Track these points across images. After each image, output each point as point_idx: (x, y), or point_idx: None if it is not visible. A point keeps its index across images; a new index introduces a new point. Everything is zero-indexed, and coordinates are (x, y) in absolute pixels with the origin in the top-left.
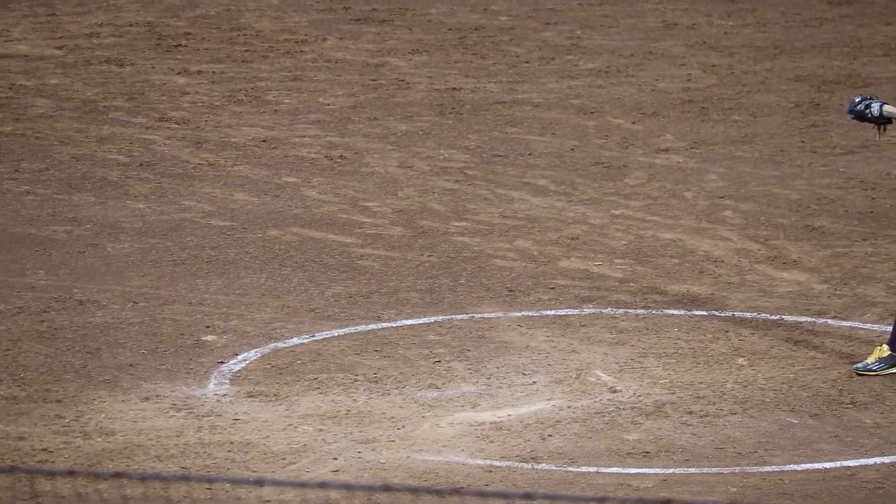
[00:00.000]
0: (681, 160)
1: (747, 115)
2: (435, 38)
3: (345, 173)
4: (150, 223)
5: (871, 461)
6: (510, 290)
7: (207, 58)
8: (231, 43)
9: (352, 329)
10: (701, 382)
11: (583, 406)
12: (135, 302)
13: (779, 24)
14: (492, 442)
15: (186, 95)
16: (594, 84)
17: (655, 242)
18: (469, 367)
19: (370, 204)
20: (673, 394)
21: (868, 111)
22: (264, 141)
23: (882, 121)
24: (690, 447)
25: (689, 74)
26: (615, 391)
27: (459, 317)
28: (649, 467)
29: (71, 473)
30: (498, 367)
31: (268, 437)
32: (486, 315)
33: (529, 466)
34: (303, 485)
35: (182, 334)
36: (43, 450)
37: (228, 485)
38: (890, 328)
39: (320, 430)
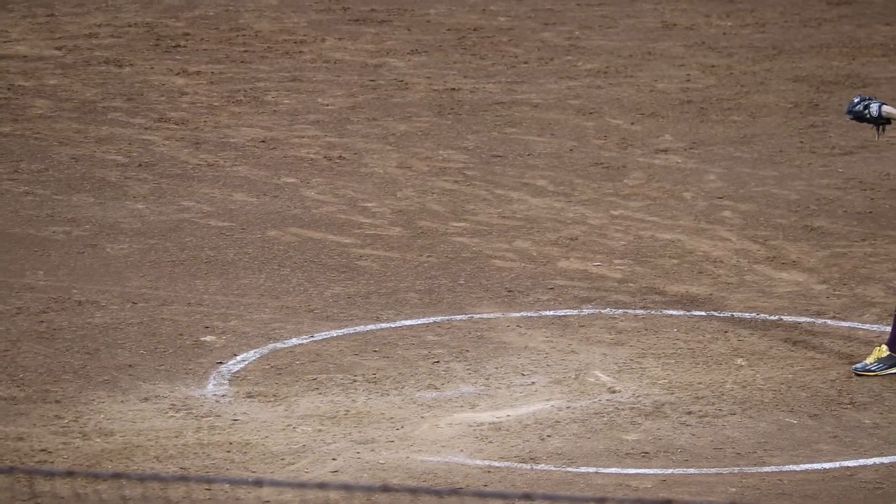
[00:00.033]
0: (680, 161)
1: (746, 116)
2: (434, 38)
3: (344, 174)
4: (148, 224)
5: (870, 461)
6: (509, 291)
7: (206, 58)
8: (230, 43)
9: (351, 329)
10: (700, 383)
11: (582, 406)
12: (134, 302)
13: (778, 24)
14: (491, 442)
15: (185, 96)
16: (593, 84)
17: (654, 243)
18: (468, 367)
19: (369, 204)
20: (672, 394)
21: (867, 111)
22: (263, 141)
23: (881, 121)
24: (689, 447)
25: (688, 75)
26: (614, 391)
27: (458, 317)
28: (648, 468)
29: (70, 474)
30: (497, 368)
31: (267, 437)
32: (484, 315)
33: (528, 467)
34: (302, 485)
35: (181, 335)
36: (42, 450)
37: (227, 485)
38: (889, 328)
39: (319, 430)
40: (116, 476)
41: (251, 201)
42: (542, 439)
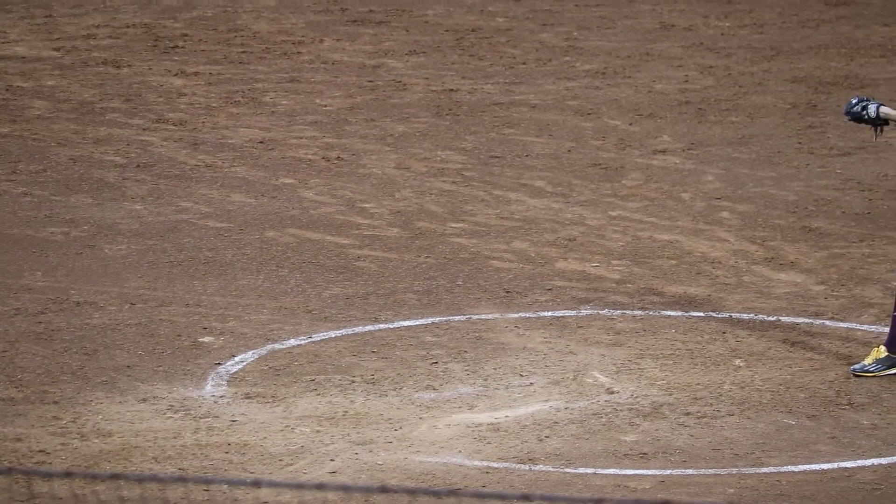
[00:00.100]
0: (678, 161)
1: (744, 117)
2: (432, 39)
3: (342, 174)
4: (147, 224)
5: (868, 462)
6: (507, 292)
7: (204, 59)
8: (228, 44)
9: (349, 330)
10: (698, 384)
11: (580, 407)
12: (132, 303)
13: (776, 25)
14: (489, 443)
15: (183, 97)
16: (591, 85)
17: (652, 244)
18: (466, 368)
19: (367, 205)
20: (670, 395)
21: (865, 112)
22: (261, 142)
23: (879, 122)
24: (688, 448)
25: (686, 76)
26: (612, 392)
27: (456, 318)
28: (647, 468)
29: (68, 475)
30: (495, 369)
31: (265, 438)
32: (483, 316)
33: (527, 468)
34: (300, 486)
35: (179, 336)
36: (40, 451)
37: (226, 486)
38: (887, 329)
39: (317, 431)
40: (114, 477)
41: (249, 202)
42: (541, 440)
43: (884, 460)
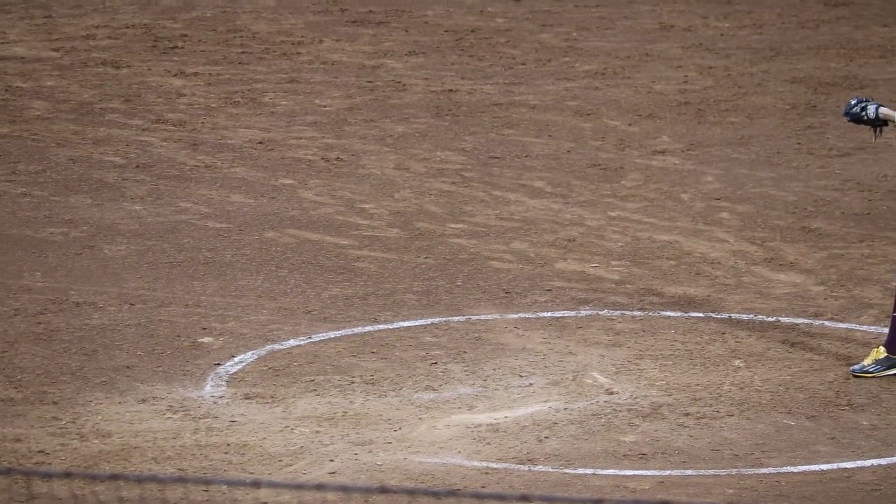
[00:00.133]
0: (677, 162)
1: (744, 117)
2: (431, 39)
3: (341, 175)
4: (146, 225)
5: (867, 463)
6: (507, 292)
7: (204, 60)
8: (227, 45)
9: (348, 331)
10: (697, 384)
11: (579, 408)
12: (131, 304)
13: (775, 25)
14: (488, 444)
15: (183, 97)
16: (590, 86)
17: (652, 244)
18: (465, 368)
19: (367, 206)
20: (669, 396)
21: (864, 113)
22: (261, 143)
23: (878, 123)
24: (687, 449)
25: (686, 76)
26: (612, 393)
27: (456, 319)
28: (646, 469)
29: (67, 475)
30: (494, 369)
31: (264, 438)
32: (482, 317)
33: (526, 468)
34: (299, 487)
35: (178, 336)
36: (39, 451)
37: (225, 487)
38: (887, 330)
39: (317, 431)
40: (114, 477)
41: (249, 202)
42: (540, 440)
43: (883, 461)
